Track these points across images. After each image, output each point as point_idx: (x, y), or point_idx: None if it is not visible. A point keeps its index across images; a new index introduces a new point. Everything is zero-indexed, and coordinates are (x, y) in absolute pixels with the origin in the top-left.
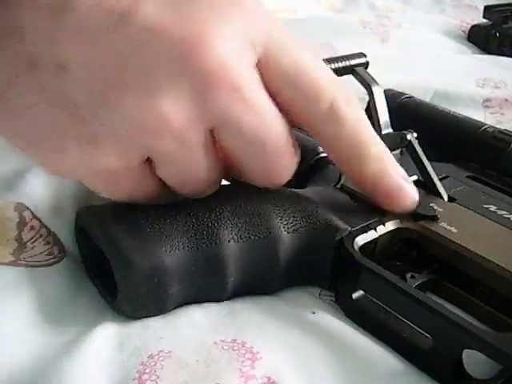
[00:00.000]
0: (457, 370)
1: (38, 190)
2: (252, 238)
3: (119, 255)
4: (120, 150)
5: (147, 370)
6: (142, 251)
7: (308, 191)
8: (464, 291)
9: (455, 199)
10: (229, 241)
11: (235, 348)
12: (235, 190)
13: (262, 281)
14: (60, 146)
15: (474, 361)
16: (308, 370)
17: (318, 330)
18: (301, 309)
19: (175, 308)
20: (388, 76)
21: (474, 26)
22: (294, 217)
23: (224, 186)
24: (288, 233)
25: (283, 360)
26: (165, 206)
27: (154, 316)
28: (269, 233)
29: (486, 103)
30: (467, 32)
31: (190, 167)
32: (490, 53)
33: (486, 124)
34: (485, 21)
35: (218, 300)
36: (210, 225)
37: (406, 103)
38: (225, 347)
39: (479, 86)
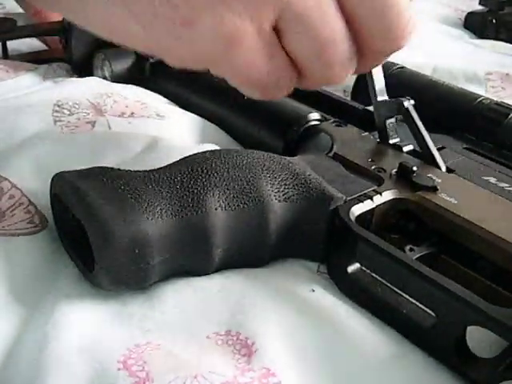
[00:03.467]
0: (460, 348)
1: (20, 164)
2: (241, 206)
3: (96, 224)
4: (252, 9)
5: (133, 356)
6: (121, 219)
7: (299, 159)
8: (465, 266)
9: (453, 170)
10: (216, 209)
11: (230, 342)
12: (223, 155)
13: (251, 253)
14: (189, 17)
15: (476, 340)
16: (307, 363)
17: (317, 312)
18: (298, 286)
19: (158, 281)
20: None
21: (470, 13)
22: (285, 184)
23: (211, 150)
24: (279, 201)
25: (280, 349)
26: (147, 171)
27: (134, 290)
28: (259, 201)
29: (488, 76)
30: (463, 19)
31: (324, 29)
32: (486, 39)
33: (481, 96)
34: (480, 7)
35: (204, 273)
36: (195, 191)
37: (398, 74)
38: (219, 342)
39: (480, 64)
